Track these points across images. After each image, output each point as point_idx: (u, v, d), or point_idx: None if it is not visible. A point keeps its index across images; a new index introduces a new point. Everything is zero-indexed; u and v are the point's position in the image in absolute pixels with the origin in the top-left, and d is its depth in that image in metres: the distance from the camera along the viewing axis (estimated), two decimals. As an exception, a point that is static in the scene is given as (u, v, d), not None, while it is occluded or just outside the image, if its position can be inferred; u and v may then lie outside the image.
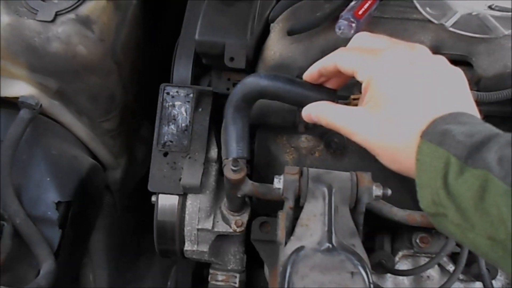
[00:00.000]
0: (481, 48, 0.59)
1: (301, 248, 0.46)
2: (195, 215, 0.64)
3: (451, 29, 0.59)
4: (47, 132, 0.72)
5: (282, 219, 0.53)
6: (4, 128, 0.66)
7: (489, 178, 0.32)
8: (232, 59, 0.63)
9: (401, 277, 0.67)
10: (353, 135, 0.42)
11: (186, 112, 0.65)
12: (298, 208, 0.51)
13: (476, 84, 0.60)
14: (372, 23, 0.59)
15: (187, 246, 0.65)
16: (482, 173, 0.33)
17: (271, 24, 0.63)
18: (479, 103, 0.57)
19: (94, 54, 0.71)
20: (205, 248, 0.65)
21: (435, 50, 0.60)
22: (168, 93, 0.65)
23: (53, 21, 0.67)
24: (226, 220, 0.64)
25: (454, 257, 0.65)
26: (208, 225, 0.64)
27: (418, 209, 0.61)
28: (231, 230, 0.63)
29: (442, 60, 0.42)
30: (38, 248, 0.60)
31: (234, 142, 0.50)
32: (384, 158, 0.40)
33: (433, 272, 0.67)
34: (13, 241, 0.60)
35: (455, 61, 0.61)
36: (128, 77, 0.82)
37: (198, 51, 0.66)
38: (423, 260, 0.65)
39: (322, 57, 0.61)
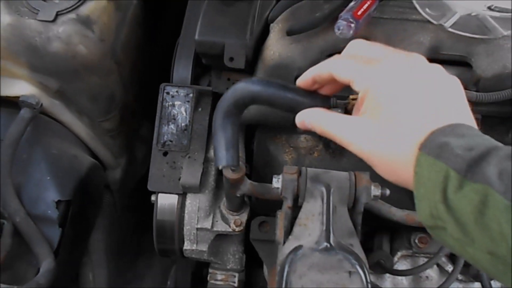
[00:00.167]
0: (480, 48, 0.59)
1: (299, 248, 0.46)
2: (194, 215, 0.64)
3: (450, 29, 0.59)
4: (48, 132, 0.72)
5: (281, 218, 0.53)
6: (4, 127, 0.67)
7: (489, 192, 0.32)
8: (231, 59, 0.63)
9: (400, 277, 0.67)
10: (348, 144, 0.41)
11: (185, 111, 0.65)
12: (296, 208, 0.52)
13: (475, 84, 0.60)
14: (371, 24, 0.59)
15: (186, 246, 0.65)
16: (482, 187, 0.32)
17: (271, 24, 0.64)
18: (478, 103, 0.57)
19: (95, 54, 0.71)
20: (204, 247, 0.65)
21: (434, 51, 0.60)
22: (168, 93, 0.66)
23: (54, 21, 0.67)
24: (225, 220, 0.64)
25: (452, 258, 0.65)
26: (207, 224, 0.64)
27: (416, 209, 0.62)
28: (230, 230, 0.63)
29: (439, 69, 0.41)
30: (37, 246, 0.60)
31: (223, 149, 0.48)
32: (381, 169, 0.40)
33: (432, 272, 0.67)
34: (13, 239, 0.60)
35: (454, 62, 0.62)
36: (128, 77, 0.82)
37: (198, 51, 0.66)
38: (422, 260, 0.65)
39: (321, 57, 0.61)
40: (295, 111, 0.47)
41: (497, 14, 0.58)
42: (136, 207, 0.96)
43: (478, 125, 0.39)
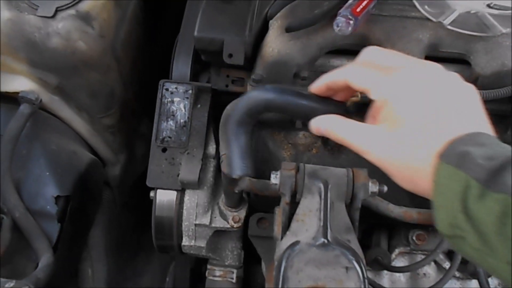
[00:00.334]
0: (479, 46, 0.59)
1: (296, 243, 0.46)
2: (192, 211, 0.64)
3: (449, 27, 0.59)
4: (47, 127, 0.72)
5: (279, 214, 0.53)
6: (4, 123, 0.67)
7: (511, 202, 0.32)
8: (230, 55, 0.63)
9: (397, 274, 0.68)
10: (366, 153, 0.41)
11: (184, 108, 0.66)
12: (294, 204, 0.52)
13: (474, 82, 0.60)
14: (370, 21, 0.59)
15: (185, 241, 0.65)
16: (503, 197, 0.32)
17: (270, 21, 0.64)
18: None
19: (94, 50, 0.71)
20: (202, 243, 0.65)
21: (433, 48, 0.60)
22: (167, 89, 0.66)
23: (53, 16, 0.67)
24: (223, 216, 0.64)
25: (450, 255, 0.65)
26: (205, 220, 0.64)
27: (415, 206, 0.62)
28: (228, 226, 0.64)
29: (455, 77, 0.41)
30: (37, 241, 0.60)
31: (238, 159, 0.48)
32: (399, 178, 0.40)
33: (430, 270, 0.67)
34: (12, 234, 0.61)
35: (453, 59, 0.62)
36: (127, 74, 0.82)
37: (197, 47, 0.67)
38: (420, 258, 0.65)
39: (320, 54, 0.62)
40: (309, 118, 0.46)
41: (496, 12, 0.58)
42: (135, 206, 0.96)
43: None
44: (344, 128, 0.43)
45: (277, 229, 0.53)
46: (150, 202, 0.65)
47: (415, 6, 0.60)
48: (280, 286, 0.44)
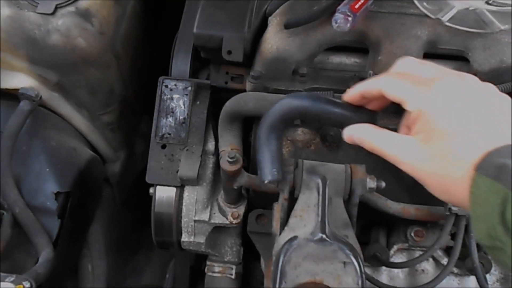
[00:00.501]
0: (477, 43, 0.59)
1: (294, 238, 0.46)
2: (192, 207, 0.64)
3: (447, 24, 0.59)
4: (47, 124, 0.73)
5: (277, 210, 0.53)
6: (4, 120, 0.67)
7: None
8: (229, 52, 0.64)
9: (396, 271, 0.68)
10: (402, 164, 0.42)
11: (184, 105, 0.66)
12: (292, 200, 0.52)
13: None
14: (369, 18, 0.59)
15: (184, 238, 0.65)
16: None
17: (269, 18, 0.64)
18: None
19: (94, 47, 0.71)
20: (201, 239, 0.66)
21: (432, 45, 0.60)
22: (166, 86, 0.66)
23: (53, 13, 0.68)
24: (222, 212, 0.64)
25: (448, 251, 0.66)
26: (205, 216, 0.64)
27: (413, 202, 0.62)
28: (227, 222, 0.64)
29: (492, 88, 0.41)
30: (37, 237, 0.61)
31: (269, 163, 0.48)
32: (435, 189, 0.40)
33: (428, 266, 0.67)
34: (12, 230, 0.61)
35: (451, 56, 0.62)
36: (127, 71, 0.82)
37: (196, 44, 0.67)
38: (418, 254, 0.65)
39: (318, 51, 0.62)
40: (342, 126, 0.47)
41: (494, 9, 0.59)
42: (135, 204, 0.97)
43: None
44: (379, 138, 0.44)
45: (276, 224, 0.53)
46: (150, 201, 0.65)
47: (413, 3, 0.61)
48: (278, 281, 0.44)
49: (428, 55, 0.61)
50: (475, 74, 0.60)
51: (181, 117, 0.65)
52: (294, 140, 0.64)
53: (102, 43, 0.73)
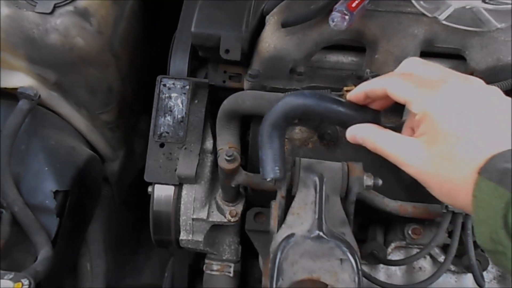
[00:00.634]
0: (474, 41, 0.60)
1: (291, 235, 0.46)
2: (190, 205, 0.64)
3: (444, 22, 0.59)
4: (46, 123, 0.73)
5: (275, 208, 0.54)
6: (3, 119, 0.67)
7: None
8: (227, 51, 0.64)
9: (393, 268, 0.68)
10: (404, 165, 0.42)
11: (182, 103, 0.66)
12: (290, 198, 0.52)
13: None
14: (366, 16, 0.60)
15: (182, 236, 0.66)
16: None
17: (266, 17, 0.64)
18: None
19: (92, 46, 0.72)
20: (200, 237, 0.66)
21: (429, 43, 0.60)
22: (164, 85, 0.66)
23: (51, 13, 0.68)
24: (220, 210, 0.65)
25: (446, 249, 0.66)
26: (203, 215, 0.65)
27: (410, 200, 0.62)
28: (225, 220, 0.64)
29: (496, 92, 0.41)
30: (35, 235, 0.61)
31: (271, 162, 0.48)
32: (438, 191, 0.40)
33: (425, 264, 0.68)
34: (11, 228, 0.61)
35: (448, 55, 0.62)
36: (126, 71, 0.83)
37: (194, 43, 0.67)
38: (415, 252, 0.66)
39: (316, 49, 0.62)
40: (345, 125, 0.47)
41: (491, 7, 0.59)
42: (134, 204, 0.97)
43: None
44: (382, 139, 0.44)
45: (273, 222, 0.53)
46: (148, 200, 0.65)
47: (410, 1, 0.61)
48: (275, 278, 0.44)
49: (425, 54, 0.61)
50: (472, 73, 0.61)
51: (179, 116, 0.66)
52: (291, 138, 0.64)
53: (100, 42, 0.73)
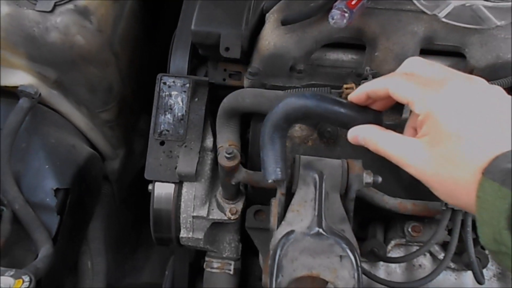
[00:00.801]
0: (474, 39, 0.60)
1: (291, 232, 0.47)
2: (190, 203, 0.65)
3: (444, 20, 0.59)
4: (46, 121, 0.73)
5: (275, 205, 0.54)
6: (3, 117, 0.68)
7: None
8: (227, 49, 0.64)
9: (393, 266, 0.68)
10: (407, 166, 0.41)
11: (182, 101, 0.66)
12: (290, 195, 0.52)
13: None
14: (366, 14, 0.60)
15: (183, 233, 0.66)
16: None
17: (266, 15, 0.64)
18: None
19: (92, 45, 0.72)
20: (200, 235, 0.66)
21: (428, 41, 0.61)
22: (164, 83, 0.66)
23: (52, 11, 0.68)
24: (221, 208, 0.65)
25: (445, 247, 0.66)
26: (203, 212, 0.65)
27: (410, 198, 0.62)
28: (225, 218, 0.64)
29: (500, 92, 0.41)
30: (36, 233, 0.61)
31: (273, 163, 0.48)
32: (440, 192, 0.40)
33: (425, 261, 0.68)
34: (12, 226, 0.61)
35: (448, 52, 0.62)
36: (126, 69, 0.83)
37: (194, 41, 0.67)
38: (415, 249, 0.66)
39: (315, 47, 0.62)
40: (347, 126, 0.47)
41: (491, 4, 0.59)
42: (134, 203, 0.97)
43: None
44: (384, 140, 0.43)
45: (273, 220, 0.53)
46: (148, 199, 0.65)
47: (410, -1, 0.61)
48: (275, 274, 0.44)
49: (425, 51, 0.61)
50: (472, 70, 0.61)
51: (179, 114, 0.66)
52: (291, 136, 0.64)
53: (100, 40, 0.73)
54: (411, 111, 0.44)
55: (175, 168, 0.63)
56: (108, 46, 0.75)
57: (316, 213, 0.48)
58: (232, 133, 0.64)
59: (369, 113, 0.47)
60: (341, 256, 0.45)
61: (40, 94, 0.70)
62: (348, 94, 0.54)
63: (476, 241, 0.62)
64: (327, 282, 0.45)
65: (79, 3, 0.70)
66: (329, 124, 0.53)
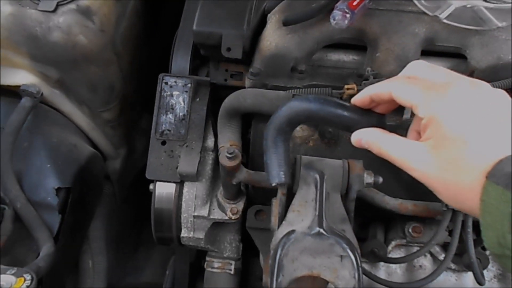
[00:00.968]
0: (475, 40, 0.60)
1: (292, 232, 0.47)
2: (191, 203, 0.65)
3: (445, 21, 0.59)
4: (48, 120, 0.73)
5: (276, 205, 0.54)
6: (5, 116, 0.68)
7: None
8: (229, 49, 0.64)
9: (393, 266, 0.68)
10: (411, 169, 0.42)
11: (184, 101, 0.66)
12: (291, 195, 0.53)
13: (469, 76, 0.61)
14: (367, 15, 0.60)
15: (184, 233, 0.66)
16: None
17: (268, 15, 0.64)
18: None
19: (94, 44, 0.72)
20: (201, 235, 0.66)
21: (429, 42, 0.61)
22: (166, 83, 0.67)
23: (54, 11, 0.68)
24: (222, 208, 0.65)
25: (446, 247, 0.66)
26: (204, 212, 0.65)
27: (410, 198, 0.63)
28: (226, 218, 0.64)
29: (503, 96, 0.41)
30: (38, 231, 0.61)
31: (276, 167, 0.49)
32: (445, 196, 0.40)
33: (426, 262, 0.68)
34: (13, 224, 0.61)
35: (449, 53, 0.62)
36: (127, 69, 0.83)
37: (195, 41, 0.67)
38: (416, 250, 0.66)
39: (317, 48, 0.62)
40: (350, 129, 0.47)
41: (492, 6, 0.59)
42: (136, 202, 0.97)
43: None
44: (387, 143, 0.44)
45: (274, 219, 0.54)
46: (149, 199, 0.65)
47: (411, 0, 0.61)
48: (275, 274, 0.45)
49: (426, 53, 0.61)
50: (473, 71, 0.61)
51: (180, 114, 0.66)
52: (292, 136, 0.64)
53: (102, 40, 0.73)
54: (413, 114, 0.45)
55: (176, 167, 0.63)
56: (110, 46, 0.76)
57: (317, 213, 0.48)
58: (233, 133, 0.64)
59: (372, 116, 0.47)
60: (341, 256, 0.45)
61: (42, 94, 0.71)
62: (349, 94, 0.54)
63: (476, 242, 0.62)
64: (327, 282, 0.45)
65: (81, 3, 0.70)
66: (333, 127, 0.53)
